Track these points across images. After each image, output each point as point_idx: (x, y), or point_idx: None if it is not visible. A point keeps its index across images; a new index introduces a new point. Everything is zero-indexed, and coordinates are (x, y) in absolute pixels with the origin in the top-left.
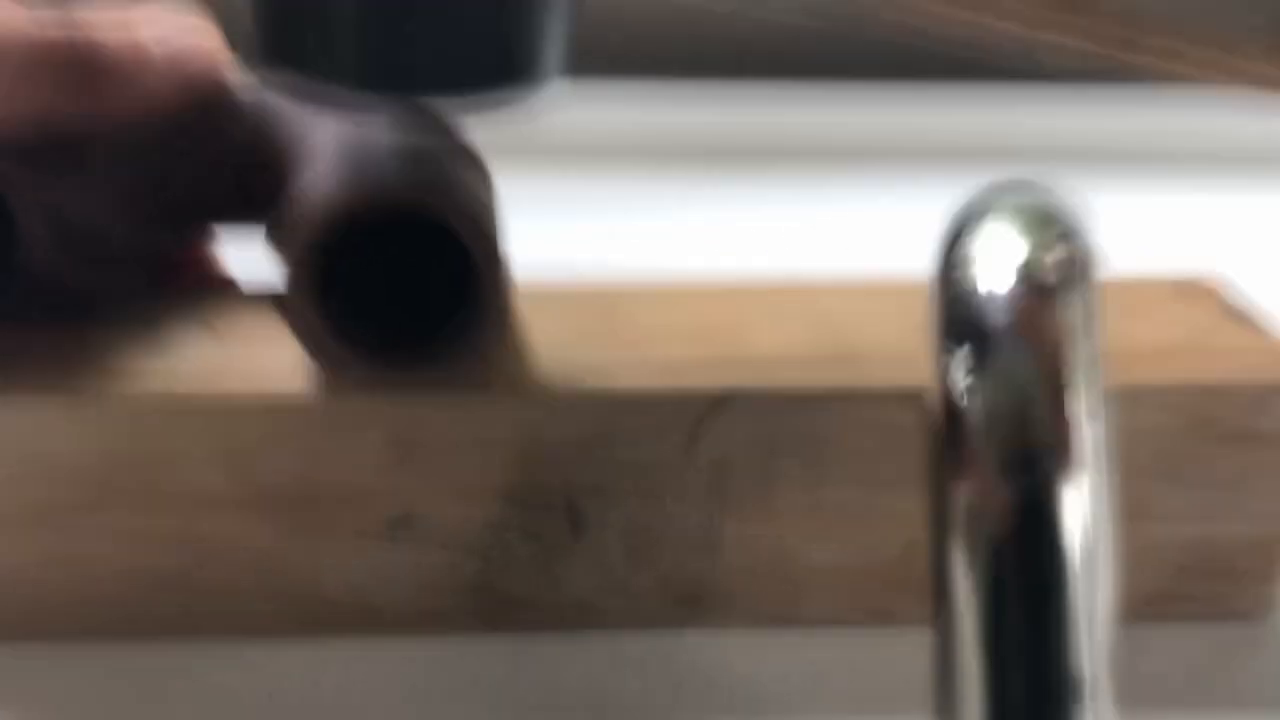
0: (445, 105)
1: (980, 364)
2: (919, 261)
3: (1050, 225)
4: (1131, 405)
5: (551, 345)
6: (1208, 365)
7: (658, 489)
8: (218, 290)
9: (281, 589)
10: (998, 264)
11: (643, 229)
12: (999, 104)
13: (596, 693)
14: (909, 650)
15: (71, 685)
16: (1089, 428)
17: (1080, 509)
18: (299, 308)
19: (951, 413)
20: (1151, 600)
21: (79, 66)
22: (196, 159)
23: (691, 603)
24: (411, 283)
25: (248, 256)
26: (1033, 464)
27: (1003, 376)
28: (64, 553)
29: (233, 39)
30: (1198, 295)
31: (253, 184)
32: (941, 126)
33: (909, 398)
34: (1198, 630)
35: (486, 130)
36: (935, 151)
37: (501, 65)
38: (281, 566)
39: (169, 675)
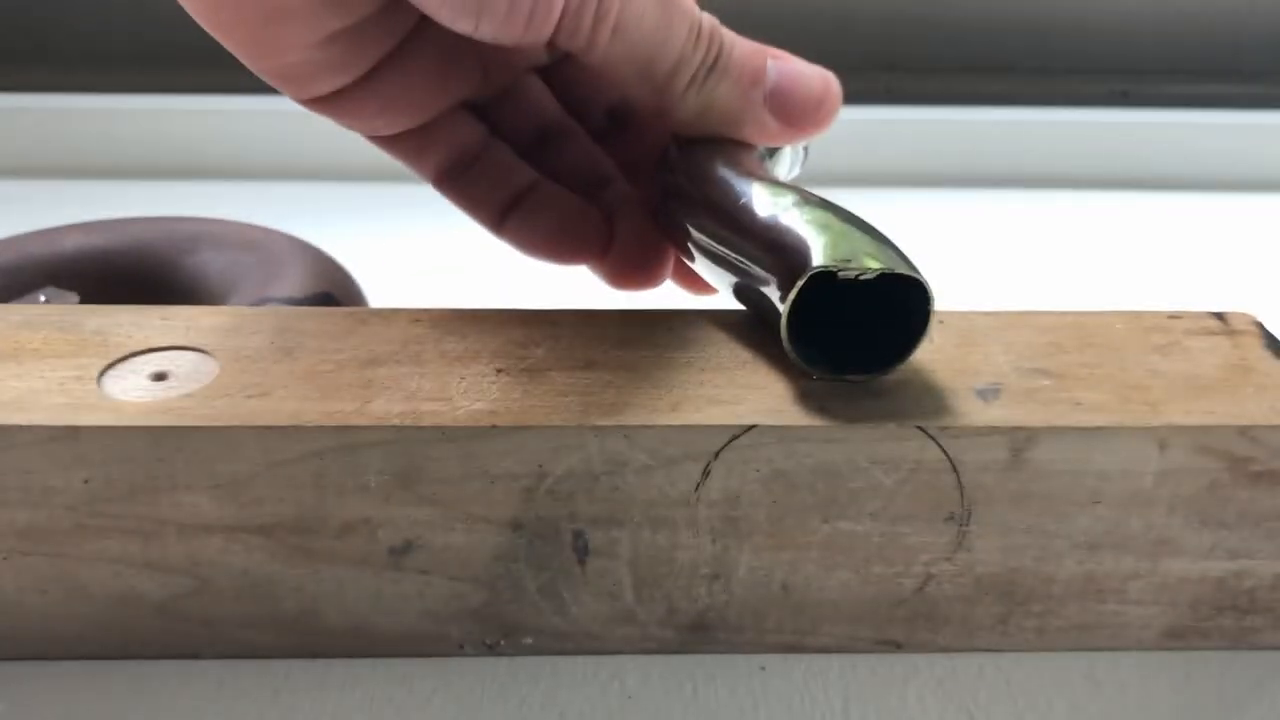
0: None
1: None
2: (936, 294)
3: None
4: (1164, 446)
5: (562, 373)
6: (1241, 403)
7: (669, 520)
8: (216, 312)
9: (280, 616)
10: None
11: None
12: (1020, 127)
13: None
14: (919, 679)
15: (67, 708)
16: None
17: None
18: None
19: None
20: (1180, 634)
21: None
22: None
23: (700, 631)
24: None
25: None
26: None
27: None
28: (61, 576)
29: None
30: (1238, 328)
31: None
32: (963, 149)
33: (925, 433)
34: (1226, 661)
35: None
36: (961, 175)
37: None
38: (280, 593)
39: (163, 699)
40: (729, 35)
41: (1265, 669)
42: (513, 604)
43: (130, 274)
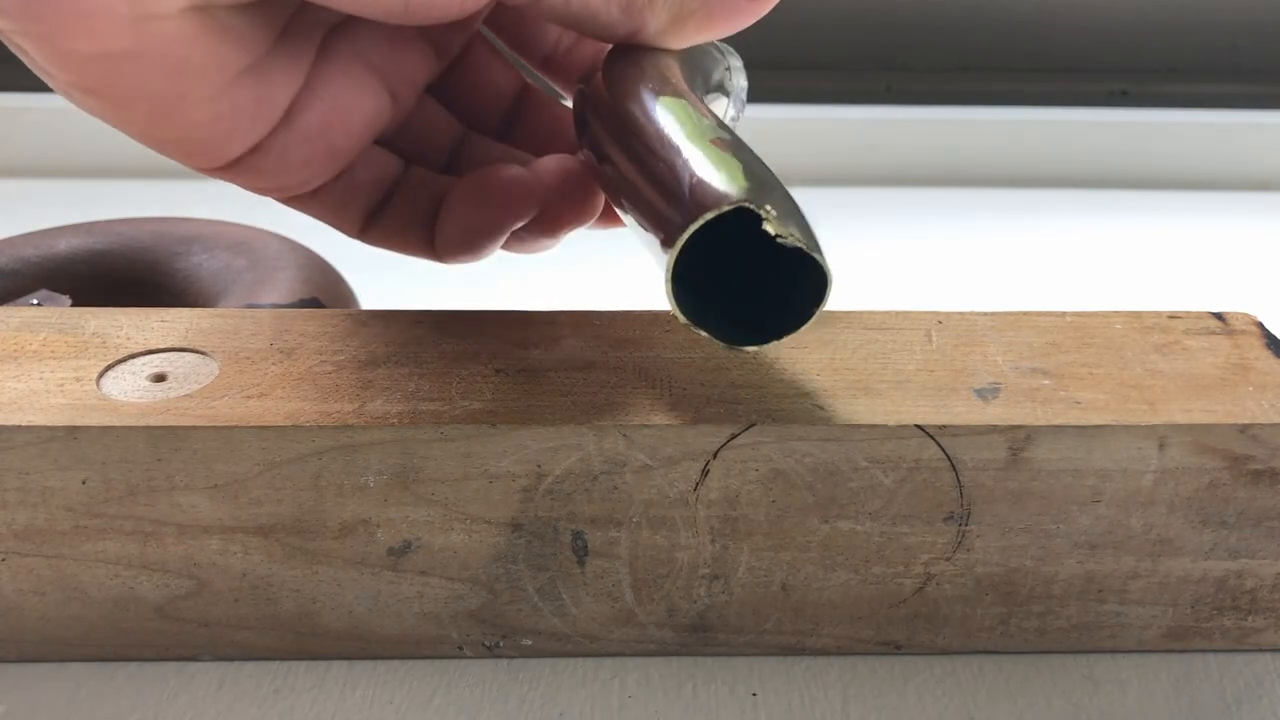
0: None
1: None
2: (935, 294)
3: None
4: (1163, 445)
5: (560, 373)
6: (1241, 401)
7: (668, 520)
8: (215, 314)
9: (278, 617)
10: None
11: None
12: (1021, 127)
13: None
14: (919, 679)
15: (66, 709)
16: None
17: None
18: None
19: None
20: (1179, 634)
21: None
22: None
23: (700, 632)
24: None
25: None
26: None
27: None
28: (59, 578)
29: None
30: (1238, 328)
31: None
32: (963, 149)
33: (925, 432)
34: (1226, 663)
35: None
36: (961, 175)
37: None
38: (278, 594)
39: (162, 700)
40: None
41: (1265, 670)
42: (512, 605)
43: (123, 276)
